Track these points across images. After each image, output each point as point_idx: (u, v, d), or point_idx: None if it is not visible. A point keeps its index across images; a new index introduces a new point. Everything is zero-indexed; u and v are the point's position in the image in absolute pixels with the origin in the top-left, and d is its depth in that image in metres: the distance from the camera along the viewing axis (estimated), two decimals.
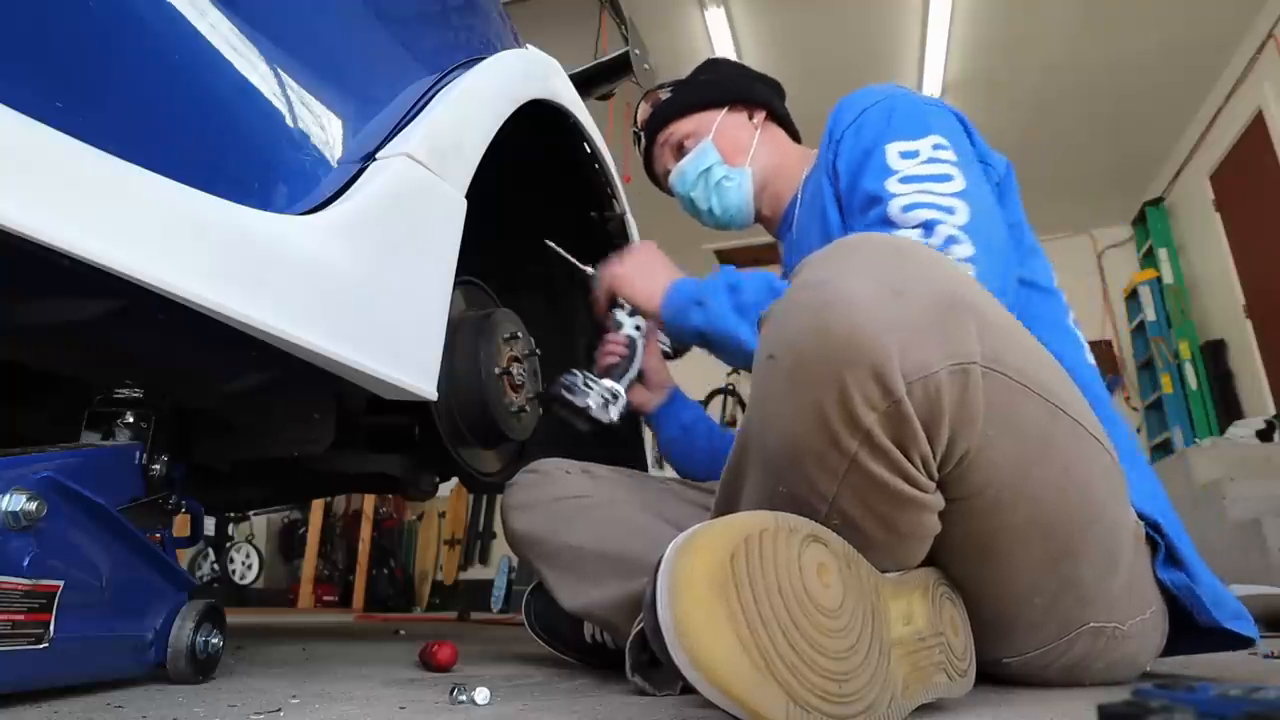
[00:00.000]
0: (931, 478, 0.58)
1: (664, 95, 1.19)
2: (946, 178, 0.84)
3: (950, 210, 0.81)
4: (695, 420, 1.24)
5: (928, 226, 0.80)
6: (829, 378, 0.54)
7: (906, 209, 0.83)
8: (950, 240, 0.79)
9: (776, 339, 0.58)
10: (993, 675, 0.77)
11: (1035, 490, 0.62)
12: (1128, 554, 0.71)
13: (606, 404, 1.14)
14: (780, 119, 1.18)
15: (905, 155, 0.87)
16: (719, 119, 1.14)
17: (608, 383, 1.11)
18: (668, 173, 1.18)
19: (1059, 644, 0.72)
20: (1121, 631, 0.73)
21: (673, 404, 1.25)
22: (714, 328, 0.93)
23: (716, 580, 0.47)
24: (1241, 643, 0.79)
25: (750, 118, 1.16)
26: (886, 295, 0.54)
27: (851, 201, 0.91)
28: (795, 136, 1.20)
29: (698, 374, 3.41)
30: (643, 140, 1.21)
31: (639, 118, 1.22)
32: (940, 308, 0.56)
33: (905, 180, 0.85)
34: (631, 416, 1.66)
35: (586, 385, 1.10)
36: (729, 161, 1.12)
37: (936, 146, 0.87)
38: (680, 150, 1.15)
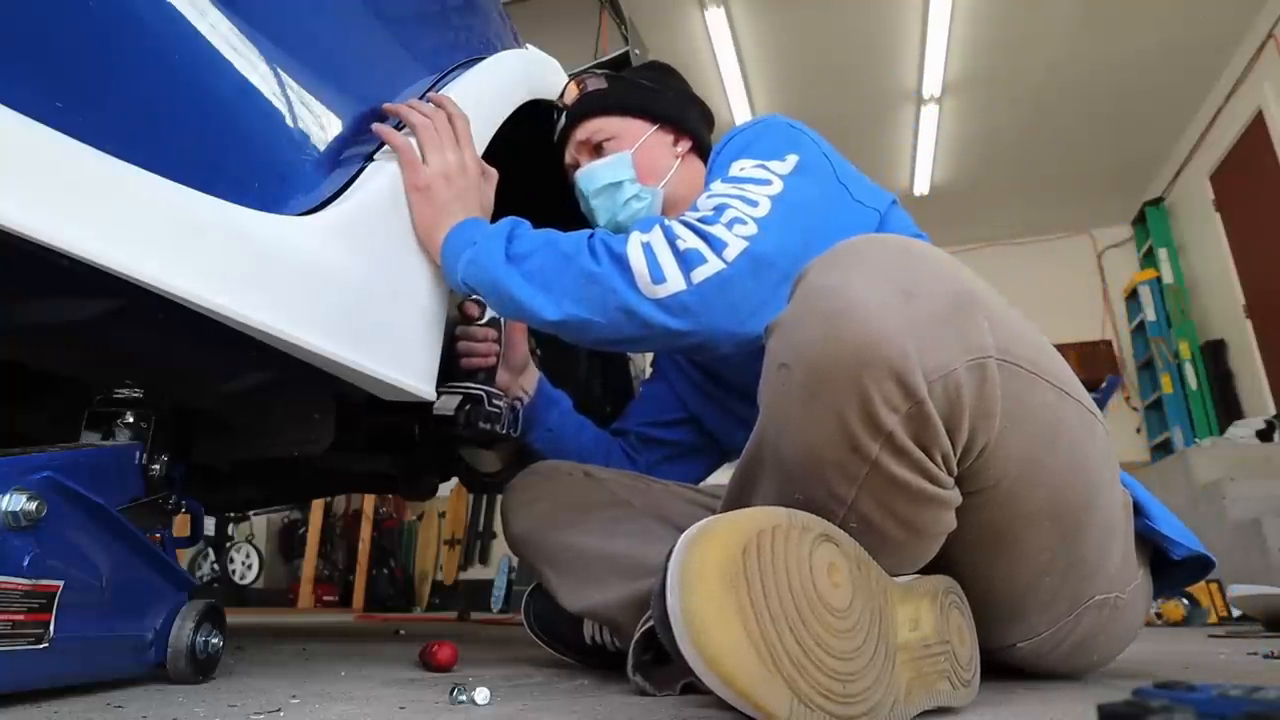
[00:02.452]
0: (951, 474, 0.59)
1: (597, 84, 1.12)
2: (766, 181, 0.82)
3: (753, 203, 0.79)
4: (562, 419, 1.18)
5: (719, 209, 0.78)
6: (847, 384, 0.54)
7: (710, 198, 0.81)
8: (735, 220, 0.77)
9: (788, 348, 0.58)
10: (1002, 664, 0.77)
11: (1046, 476, 0.62)
12: (1122, 523, 0.73)
13: (516, 416, 1.12)
14: (703, 153, 1.13)
15: (746, 168, 0.85)
16: (647, 134, 1.08)
17: (508, 397, 1.08)
18: (575, 164, 1.11)
19: (1068, 621, 0.73)
20: (1123, 600, 0.75)
21: (537, 401, 1.17)
22: (479, 271, 0.83)
23: (728, 573, 0.47)
24: (1205, 567, 0.83)
25: (676, 144, 1.11)
26: (899, 297, 0.54)
27: None
28: None
29: None
30: (561, 121, 1.14)
31: (566, 96, 1.15)
32: (953, 304, 0.56)
33: (726, 180, 0.84)
34: None
35: (498, 406, 1.05)
36: (642, 181, 1.07)
37: (781, 162, 0.85)
38: (598, 151, 1.09)
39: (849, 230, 0.85)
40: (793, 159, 0.85)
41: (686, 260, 0.75)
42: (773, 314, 0.61)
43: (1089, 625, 0.74)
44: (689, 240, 0.76)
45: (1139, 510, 0.80)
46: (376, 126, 0.89)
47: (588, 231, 0.82)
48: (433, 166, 0.89)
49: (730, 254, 0.75)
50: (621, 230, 1.04)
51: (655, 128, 1.10)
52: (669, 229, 0.77)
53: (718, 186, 0.83)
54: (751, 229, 0.76)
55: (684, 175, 1.10)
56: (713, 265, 0.74)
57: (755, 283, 0.75)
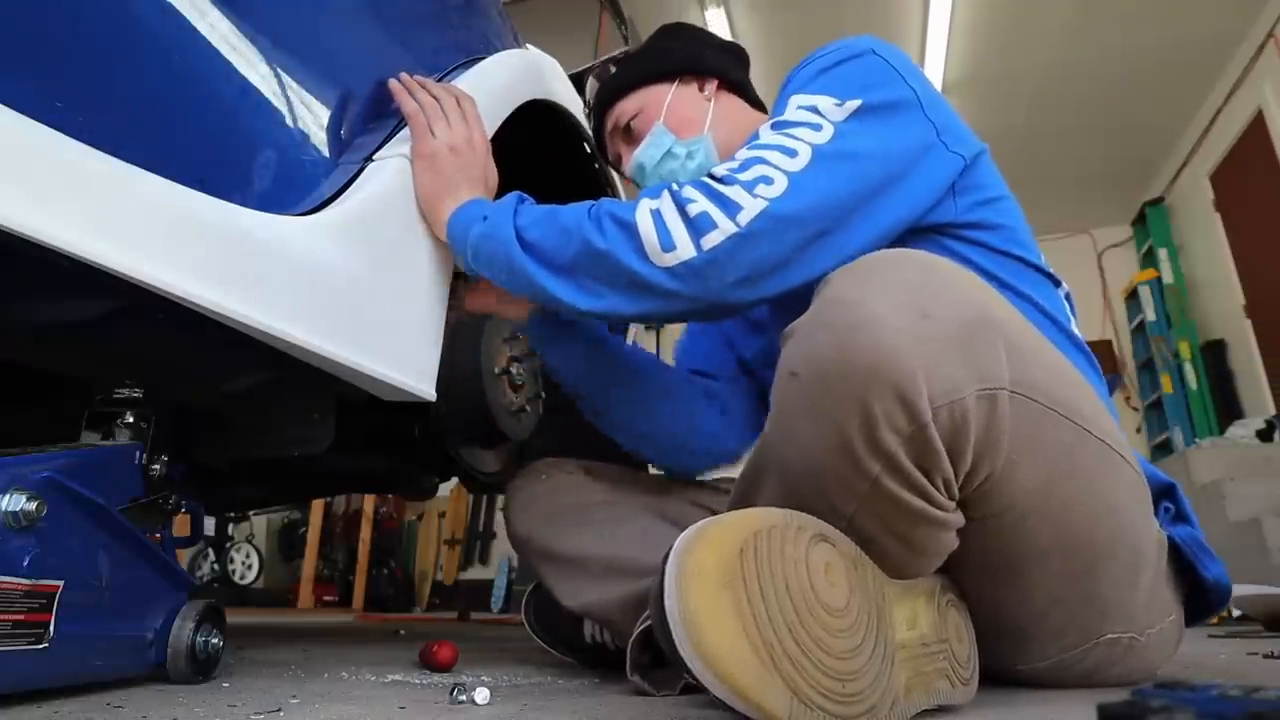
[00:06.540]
0: (952, 498, 0.58)
1: (609, 71, 1.09)
2: (816, 126, 0.75)
3: (791, 153, 0.73)
4: (596, 343, 1.00)
5: (746, 164, 0.73)
6: (852, 400, 0.53)
7: (750, 147, 0.75)
8: (760, 180, 0.71)
9: (800, 357, 0.57)
10: (1002, 678, 0.76)
11: (1059, 511, 0.61)
12: (1150, 566, 0.70)
13: None
14: (737, 87, 1.06)
15: (802, 108, 0.77)
16: (669, 95, 1.02)
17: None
18: (619, 157, 1.07)
19: (1074, 654, 0.71)
20: (1139, 642, 0.72)
21: (547, 314, 0.97)
22: (492, 250, 0.79)
23: (725, 574, 0.47)
24: (1223, 596, 0.77)
25: (701, 89, 1.03)
26: (915, 317, 0.53)
27: None
28: (758, 105, 1.08)
29: None
30: (591, 120, 1.10)
31: (588, 95, 1.12)
32: (969, 330, 0.55)
33: (776, 126, 0.77)
34: None
35: None
36: (684, 137, 1.00)
37: (839, 105, 0.76)
38: (628, 133, 1.03)
39: (917, 183, 0.77)
40: (855, 103, 0.76)
41: (696, 225, 0.70)
42: (800, 274, 0.59)
43: (1097, 660, 0.72)
44: (700, 203, 0.71)
45: (1184, 517, 0.78)
46: (394, 86, 0.89)
47: (589, 204, 0.77)
48: (439, 137, 0.88)
49: (745, 217, 0.69)
50: None
51: (674, 85, 1.03)
52: (678, 193, 0.73)
53: (764, 133, 0.76)
54: (778, 188, 0.70)
55: (724, 115, 1.02)
56: (724, 229, 0.69)
57: (774, 243, 0.70)
